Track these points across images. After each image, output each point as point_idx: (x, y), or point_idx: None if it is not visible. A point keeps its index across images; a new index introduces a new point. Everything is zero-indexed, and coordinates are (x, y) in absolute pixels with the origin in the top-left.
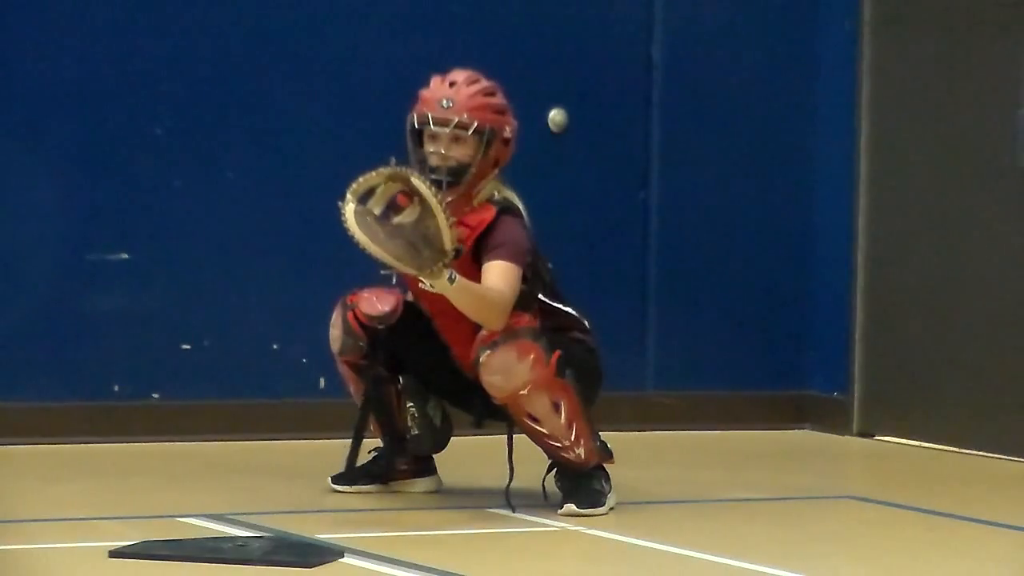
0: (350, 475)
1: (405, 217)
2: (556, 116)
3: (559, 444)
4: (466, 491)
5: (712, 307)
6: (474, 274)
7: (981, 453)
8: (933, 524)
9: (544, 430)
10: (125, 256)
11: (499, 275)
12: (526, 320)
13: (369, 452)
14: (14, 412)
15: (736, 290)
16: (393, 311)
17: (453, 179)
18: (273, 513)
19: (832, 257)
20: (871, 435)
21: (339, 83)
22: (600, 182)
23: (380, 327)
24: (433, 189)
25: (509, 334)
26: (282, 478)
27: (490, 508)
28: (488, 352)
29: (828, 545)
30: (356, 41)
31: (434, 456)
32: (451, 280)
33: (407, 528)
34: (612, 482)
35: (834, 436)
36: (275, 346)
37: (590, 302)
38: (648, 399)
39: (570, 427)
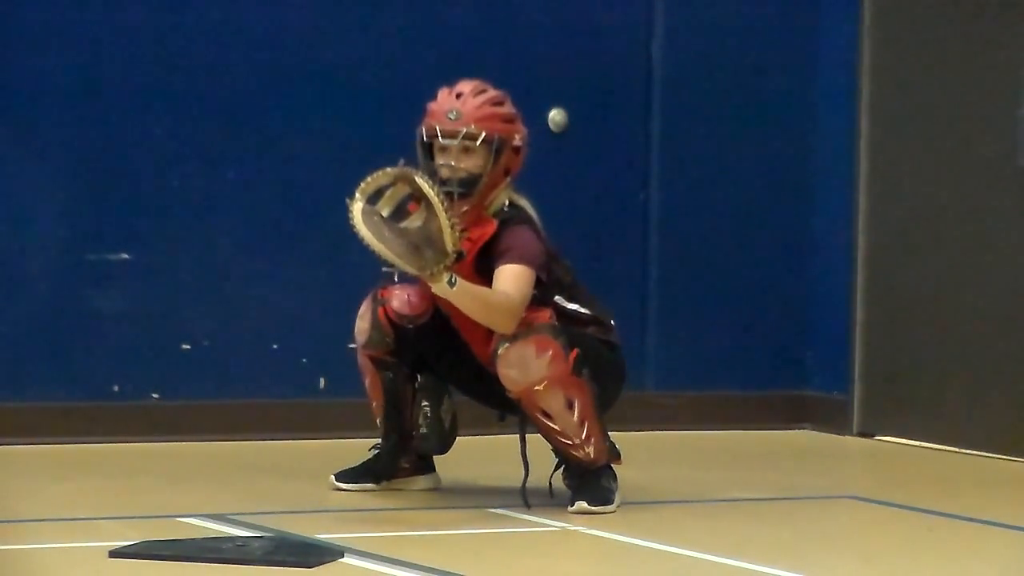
0: (352, 473)
1: (412, 221)
2: (556, 116)
3: (569, 442)
4: (466, 491)
5: (712, 307)
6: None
7: (981, 453)
8: (933, 524)
9: (556, 427)
10: (125, 256)
11: (507, 278)
12: (546, 316)
13: (369, 449)
14: (14, 412)
15: (736, 290)
16: (425, 311)
17: (464, 190)
18: (273, 513)
19: (832, 257)
20: (871, 435)
21: (340, 84)
22: (600, 182)
23: (410, 327)
24: (437, 189)
25: (528, 329)
26: (282, 478)
27: (490, 508)
28: (506, 345)
29: (828, 545)
30: (357, 42)
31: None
32: (451, 283)
33: (407, 528)
34: (618, 481)
35: (834, 436)
36: (275, 346)
37: None
38: (649, 399)
39: (582, 425)
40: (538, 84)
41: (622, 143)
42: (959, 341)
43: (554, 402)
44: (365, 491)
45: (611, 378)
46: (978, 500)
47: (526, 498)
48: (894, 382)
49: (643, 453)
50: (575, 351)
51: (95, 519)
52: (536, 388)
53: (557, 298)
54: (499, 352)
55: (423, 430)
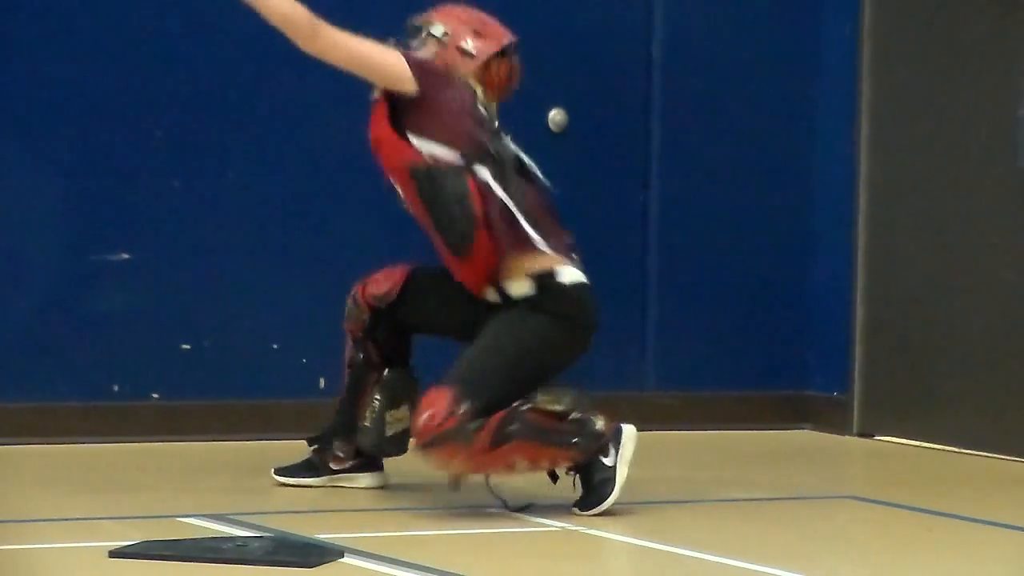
0: (292, 468)
1: None
2: (556, 116)
3: (539, 469)
4: (466, 491)
5: (712, 307)
6: (402, 144)
7: (981, 453)
8: (933, 524)
9: (518, 471)
10: (125, 256)
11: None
12: (449, 419)
13: (310, 446)
14: (14, 412)
15: (736, 290)
16: (390, 291)
17: None
18: (273, 513)
19: (832, 257)
20: (871, 435)
21: (339, 83)
22: (600, 182)
23: (380, 305)
24: None
25: (437, 438)
26: None
27: (490, 508)
28: (422, 453)
29: (828, 545)
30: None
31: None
32: None
33: (407, 528)
34: (612, 461)
35: (834, 436)
36: (275, 346)
37: None
38: (648, 399)
39: (537, 462)
40: (538, 84)
41: (622, 143)
42: (959, 341)
43: (496, 470)
44: (304, 486)
45: (572, 342)
46: (978, 500)
47: (505, 501)
48: (894, 382)
49: (643, 453)
50: (495, 421)
51: (95, 519)
52: (472, 471)
53: (496, 189)
54: (421, 455)
55: (365, 423)
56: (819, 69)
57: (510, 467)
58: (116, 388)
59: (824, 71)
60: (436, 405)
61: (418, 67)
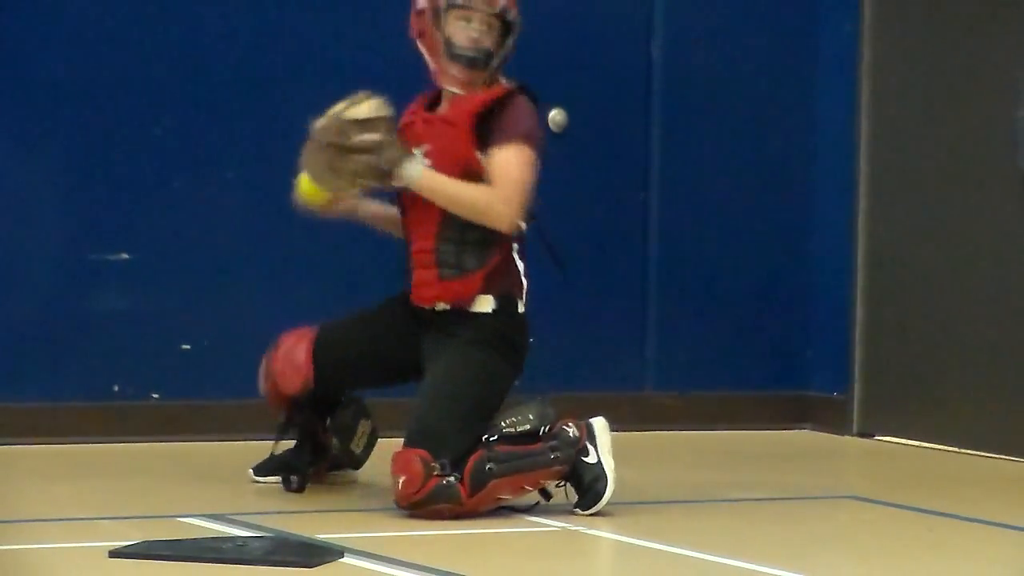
0: (269, 465)
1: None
2: (556, 116)
3: (527, 493)
4: None
5: (712, 307)
6: (472, 154)
7: (981, 453)
8: (933, 524)
9: (507, 503)
10: (125, 256)
11: (505, 162)
12: (419, 465)
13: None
14: (14, 412)
15: (736, 290)
16: (305, 385)
17: (482, 62)
18: (273, 513)
19: (832, 257)
20: (871, 435)
21: (340, 83)
22: (600, 182)
23: (299, 398)
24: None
25: (421, 502)
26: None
27: (490, 508)
28: (409, 513)
29: (828, 545)
30: (357, 40)
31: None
32: (419, 172)
33: (407, 528)
34: (597, 453)
35: (834, 436)
36: None
37: (590, 302)
38: (648, 399)
39: (521, 490)
40: (538, 84)
41: (622, 143)
42: (959, 341)
43: (485, 508)
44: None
45: (507, 377)
46: (978, 500)
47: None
48: (894, 382)
49: (642, 453)
50: (468, 466)
51: (95, 519)
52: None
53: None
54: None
55: (335, 451)
56: (819, 69)
57: (497, 502)
58: (116, 388)
59: (824, 71)
60: (410, 470)
61: (538, 151)
